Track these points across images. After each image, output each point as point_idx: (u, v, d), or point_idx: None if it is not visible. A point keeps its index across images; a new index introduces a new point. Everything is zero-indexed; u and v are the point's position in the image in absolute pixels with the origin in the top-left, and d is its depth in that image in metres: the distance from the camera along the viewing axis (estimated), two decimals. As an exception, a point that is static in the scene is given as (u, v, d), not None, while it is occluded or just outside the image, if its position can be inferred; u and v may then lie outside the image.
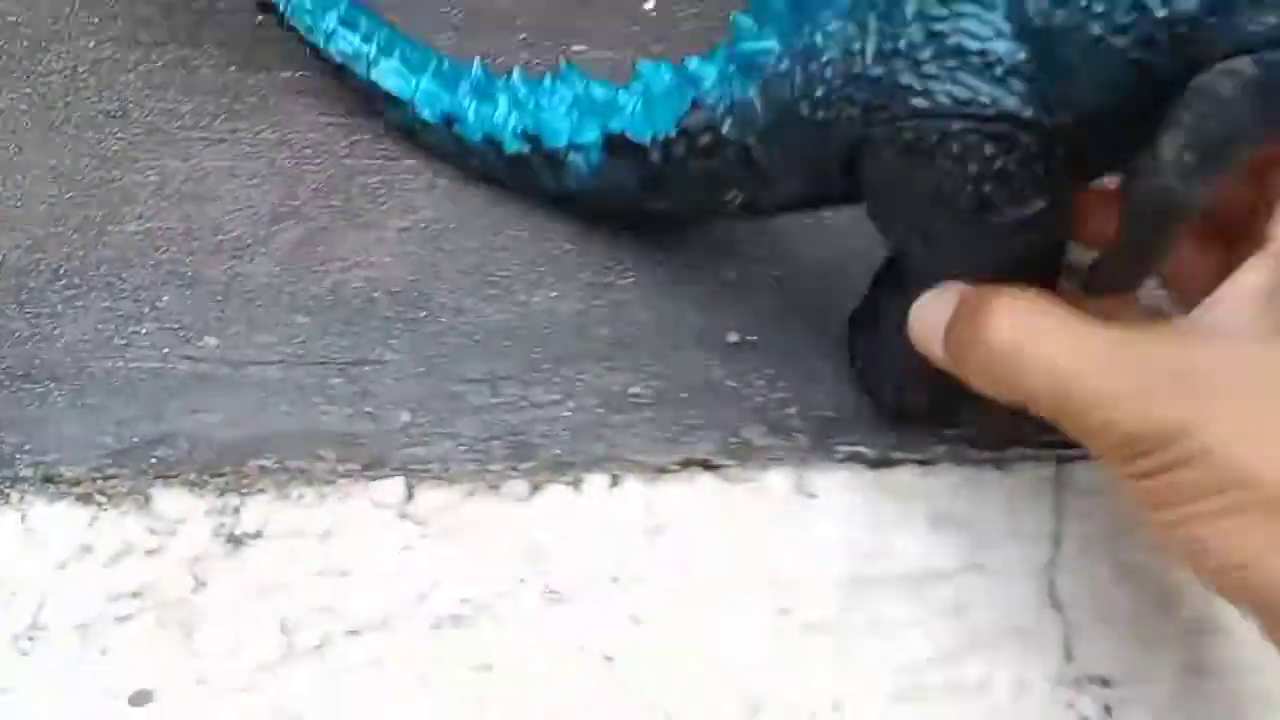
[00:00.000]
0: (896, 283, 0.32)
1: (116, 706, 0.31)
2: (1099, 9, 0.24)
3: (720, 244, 0.39)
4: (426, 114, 0.37)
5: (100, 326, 0.37)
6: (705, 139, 0.32)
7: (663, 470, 0.35)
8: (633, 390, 0.36)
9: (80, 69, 0.41)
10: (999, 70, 0.25)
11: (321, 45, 0.37)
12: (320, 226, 0.39)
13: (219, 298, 0.37)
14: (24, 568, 0.33)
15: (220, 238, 0.38)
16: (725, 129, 0.31)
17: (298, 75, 0.41)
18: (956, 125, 0.26)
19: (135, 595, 0.33)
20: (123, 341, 0.37)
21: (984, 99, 0.26)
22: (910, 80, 0.26)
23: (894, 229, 0.31)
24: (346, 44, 0.37)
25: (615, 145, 0.34)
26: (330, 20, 0.37)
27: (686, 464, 0.35)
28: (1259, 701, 0.32)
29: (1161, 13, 0.24)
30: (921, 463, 0.35)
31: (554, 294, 0.38)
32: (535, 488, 0.34)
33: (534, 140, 0.36)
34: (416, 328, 0.37)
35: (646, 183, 0.34)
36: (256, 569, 0.33)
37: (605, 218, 0.38)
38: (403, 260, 0.38)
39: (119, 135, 0.40)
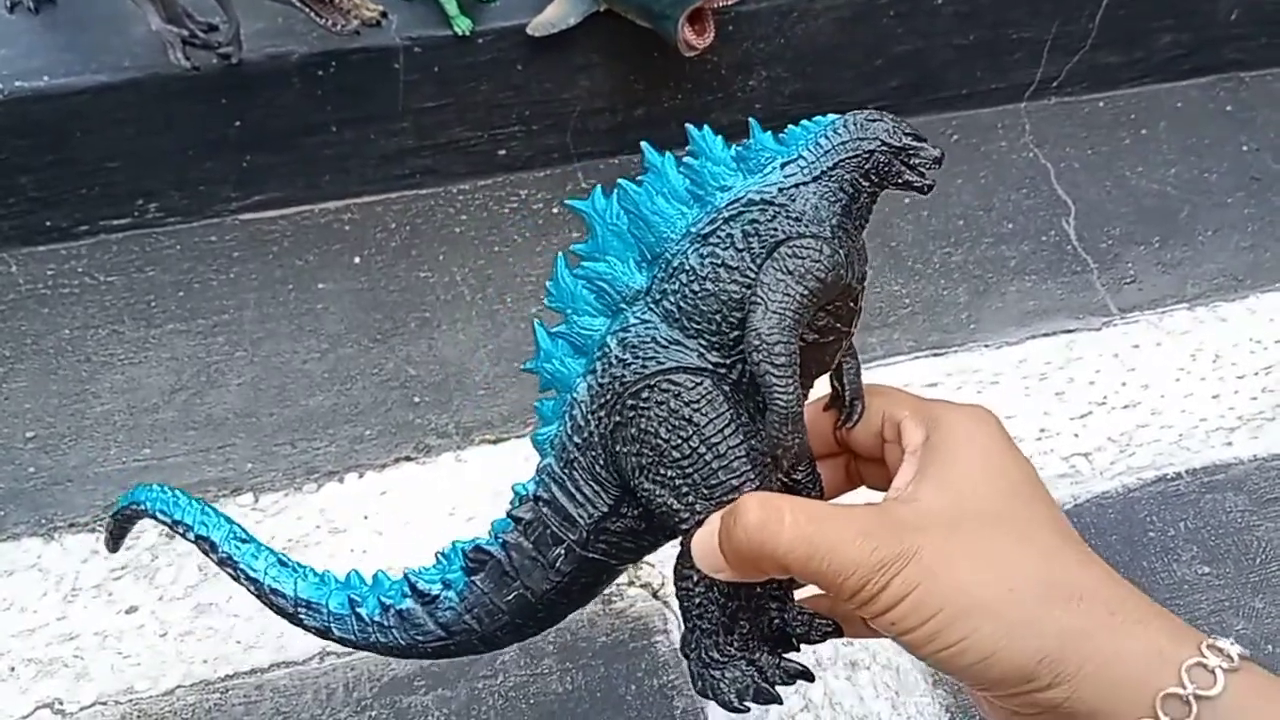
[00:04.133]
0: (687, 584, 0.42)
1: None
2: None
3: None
4: (336, 606, 0.48)
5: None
6: (528, 514, 0.44)
7: None
8: None
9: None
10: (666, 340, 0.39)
11: (262, 581, 0.49)
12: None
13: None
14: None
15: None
16: (536, 490, 0.43)
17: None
18: (653, 380, 0.39)
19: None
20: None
21: (662, 361, 0.39)
22: (619, 372, 0.40)
23: (652, 495, 0.40)
24: (279, 573, 0.49)
25: (472, 558, 0.45)
26: (269, 560, 0.50)
27: None
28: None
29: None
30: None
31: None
32: None
33: (413, 587, 0.47)
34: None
35: (501, 583, 0.45)
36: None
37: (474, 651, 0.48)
38: None
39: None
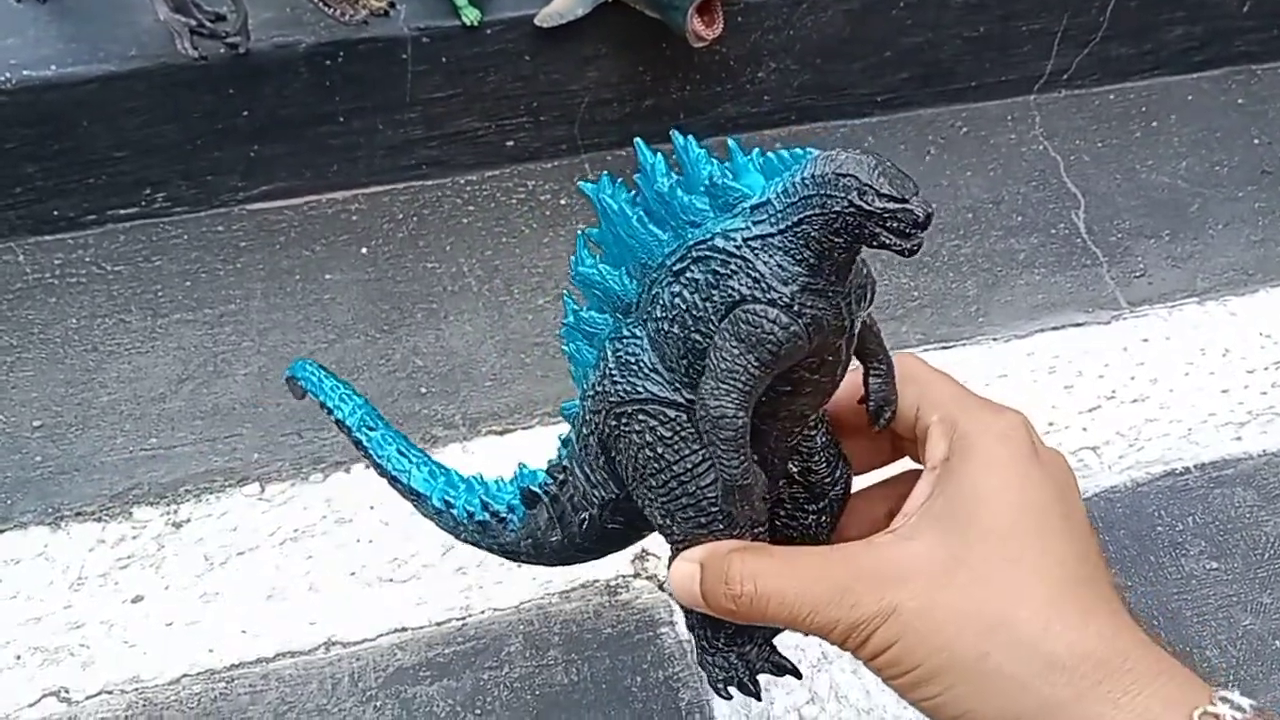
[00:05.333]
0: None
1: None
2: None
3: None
4: (437, 502, 0.52)
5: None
6: (561, 475, 0.46)
7: None
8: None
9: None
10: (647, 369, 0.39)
11: (384, 466, 0.54)
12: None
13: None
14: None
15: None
16: (564, 460, 0.45)
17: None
18: (630, 408, 0.39)
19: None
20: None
21: (640, 391, 0.39)
22: (608, 386, 0.39)
23: (641, 503, 0.41)
24: (398, 462, 0.53)
25: (526, 496, 0.48)
26: (391, 449, 0.54)
27: None
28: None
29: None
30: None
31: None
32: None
33: (488, 508, 0.50)
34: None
35: (548, 524, 0.47)
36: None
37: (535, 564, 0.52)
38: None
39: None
